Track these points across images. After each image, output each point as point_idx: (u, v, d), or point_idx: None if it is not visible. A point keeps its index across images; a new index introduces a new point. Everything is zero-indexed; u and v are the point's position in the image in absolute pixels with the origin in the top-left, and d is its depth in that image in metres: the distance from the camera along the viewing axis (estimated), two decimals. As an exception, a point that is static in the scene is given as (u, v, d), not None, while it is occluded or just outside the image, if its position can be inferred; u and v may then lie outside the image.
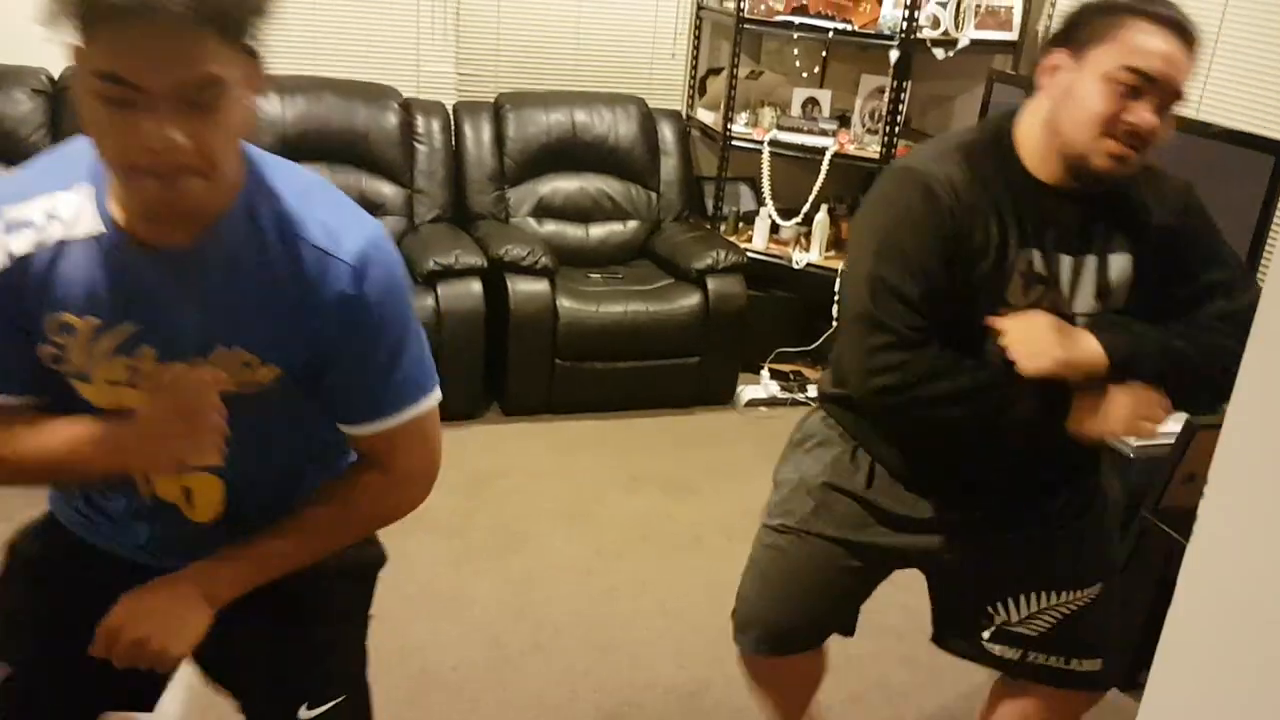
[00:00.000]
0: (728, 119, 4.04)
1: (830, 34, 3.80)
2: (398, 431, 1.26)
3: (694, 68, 4.39)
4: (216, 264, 1.15)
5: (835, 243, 4.00)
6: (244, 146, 1.16)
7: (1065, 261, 1.51)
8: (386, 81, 3.89)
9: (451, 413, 3.74)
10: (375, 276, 1.19)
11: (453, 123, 3.96)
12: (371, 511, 1.33)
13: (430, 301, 3.46)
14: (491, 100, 4.05)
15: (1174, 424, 2.53)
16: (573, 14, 4.18)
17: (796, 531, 1.73)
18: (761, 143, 3.97)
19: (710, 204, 4.30)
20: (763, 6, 3.92)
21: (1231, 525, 0.58)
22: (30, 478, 1.26)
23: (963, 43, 3.67)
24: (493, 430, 3.60)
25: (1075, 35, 1.46)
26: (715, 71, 4.35)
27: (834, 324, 3.69)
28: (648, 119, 4.14)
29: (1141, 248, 1.54)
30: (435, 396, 1.29)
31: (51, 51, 1.11)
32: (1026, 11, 3.77)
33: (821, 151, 3.87)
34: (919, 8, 3.62)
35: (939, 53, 3.67)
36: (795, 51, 4.26)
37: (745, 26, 3.94)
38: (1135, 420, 1.47)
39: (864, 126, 3.99)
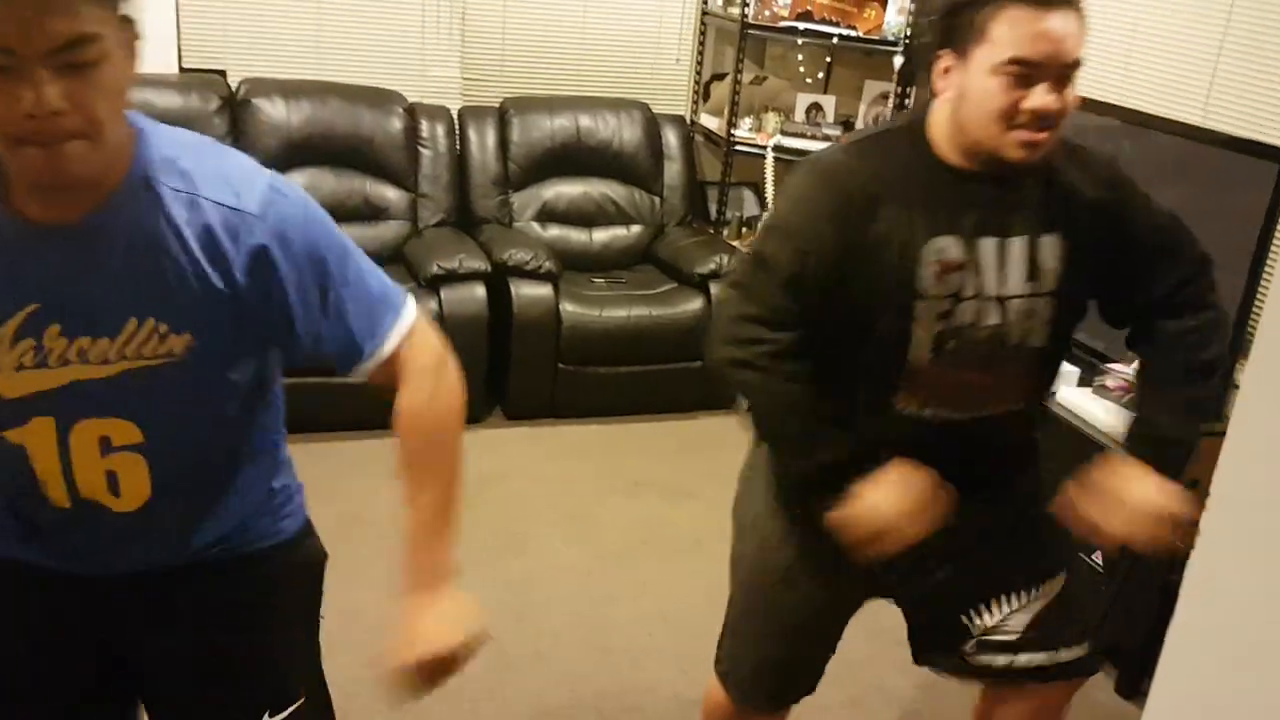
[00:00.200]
0: (731, 124, 4.04)
1: (834, 40, 3.80)
2: (399, 354, 1.26)
3: (698, 73, 4.39)
4: (118, 236, 1.12)
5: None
6: (130, 116, 1.14)
7: (989, 245, 1.48)
8: (391, 86, 3.89)
9: (454, 417, 3.75)
10: (286, 217, 1.17)
11: (457, 127, 3.96)
12: (436, 420, 1.31)
13: (434, 305, 3.46)
14: (496, 105, 4.05)
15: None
16: (577, 19, 4.19)
17: (770, 581, 1.67)
18: (765, 148, 3.97)
19: (714, 209, 4.30)
20: (767, 12, 3.93)
21: (1235, 534, 0.58)
22: None
23: (967, 49, 3.67)
24: (495, 434, 3.60)
25: (955, 35, 1.43)
26: (719, 77, 4.35)
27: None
28: (652, 124, 4.14)
29: (1074, 227, 1.52)
30: (411, 308, 1.28)
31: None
32: (1031, 18, 3.77)
33: (825, 157, 3.87)
34: (923, 14, 3.62)
35: (943, 59, 3.67)
36: (799, 57, 4.26)
37: (750, 32, 3.94)
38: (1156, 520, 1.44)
39: (868, 132, 3.99)
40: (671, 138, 4.20)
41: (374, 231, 3.78)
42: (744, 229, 4.21)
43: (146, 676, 1.40)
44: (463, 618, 1.26)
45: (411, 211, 3.86)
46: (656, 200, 4.16)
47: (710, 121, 4.26)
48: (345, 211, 3.74)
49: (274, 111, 3.65)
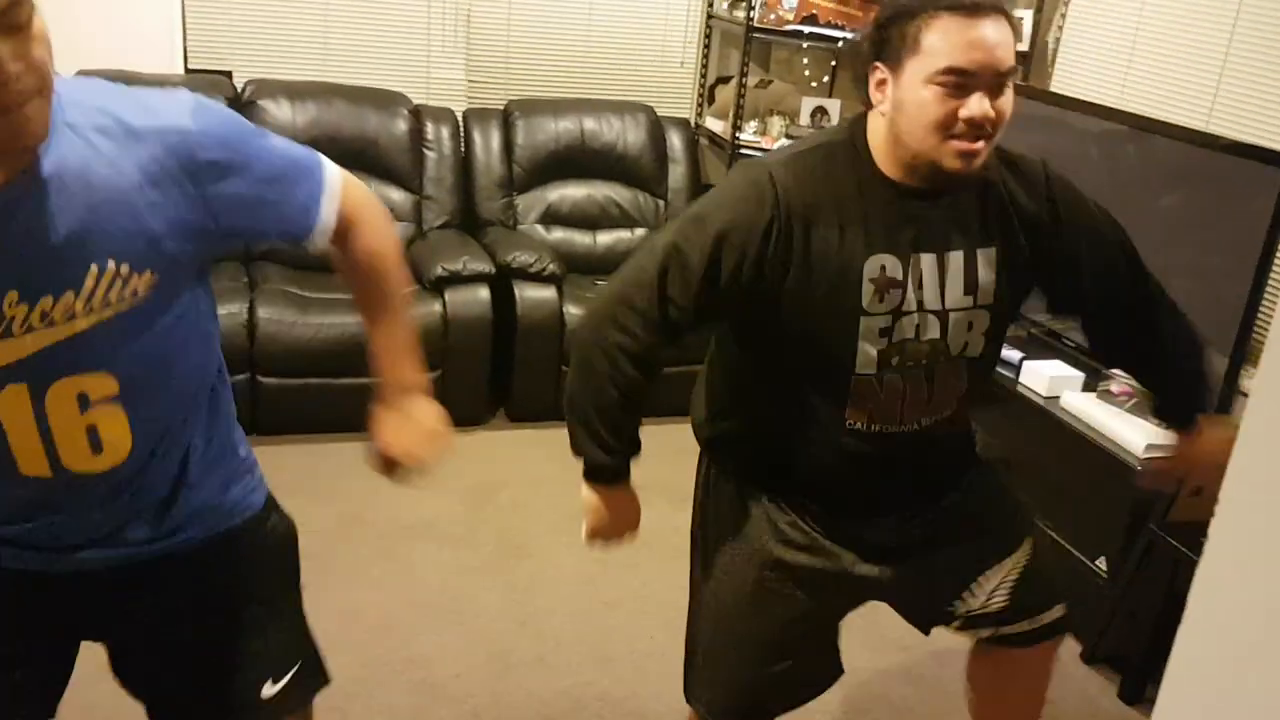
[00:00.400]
0: (736, 127, 4.04)
1: (839, 43, 3.80)
2: (340, 212, 1.31)
3: (703, 76, 4.39)
4: (58, 188, 1.10)
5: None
6: None
7: (927, 260, 1.48)
8: (397, 88, 3.90)
9: (457, 419, 3.70)
10: (217, 126, 1.19)
11: (462, 129, 3.97)
12: (392, 251, 1.41)
13: (438, 307, 3.46)
14: (501, 107, 4.06)
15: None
16: (583, 22, 4.19)
17: (741, 600, 1.66)
18: (769, 150, 3.97)
19: (718, 212, 4.30)
20: (772, 16, 3.93)
21: (1245, 539, 0.58)
22: None
23: (972, 53, 3.67)
24: (498, 436, 3.60)
25: (887, 47, 1.42)
26: (724, 80, 4.35)
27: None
28: (656, 127, 4.15)
29: (1011, 239, 1.53)
30: (329, 166, 1.31)
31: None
32: (1037, 23, 3.77)
33: (830, 161, 3.87)
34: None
35: (948, 63, 3.67)
36: (804, 61, 4.26)
37: (755, 36, 3.94)
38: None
39: (872, 136, 3.99)
40: (676, 141, 4.20)
41: (378, 233, 3.78)
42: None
43: (140, 672, 1.41)
44: (434, 415, 1.45)
45: (416, 213, 3.86)
46: (661, 203, 4.16)
47: (715, 125, 4.27)
48: (350, 213, 3.75)
49: (279, 113, 3.66)
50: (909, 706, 2.48)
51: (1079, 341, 3.08)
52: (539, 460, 3.47)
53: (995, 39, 1.37)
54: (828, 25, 3.83)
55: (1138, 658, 2.54)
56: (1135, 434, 2.63)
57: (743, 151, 4.03)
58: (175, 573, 1.34)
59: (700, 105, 4.42)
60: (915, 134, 1.40)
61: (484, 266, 3.52)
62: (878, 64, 1.43)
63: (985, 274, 1.52)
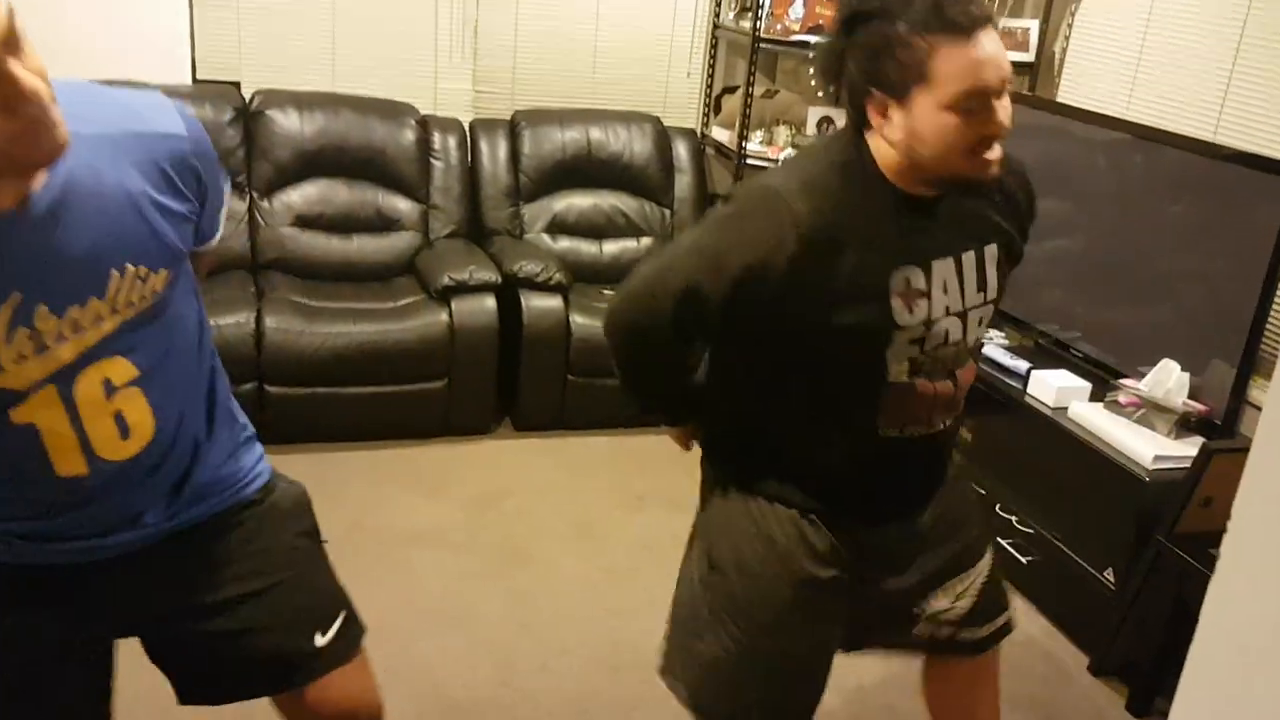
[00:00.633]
0: (742, 137, 4.05)
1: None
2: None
3: (709, 86, 4.40)
4: (71, 198, 1.13)
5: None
6: None
7: (946, 266, 1.49)
8: (404, 99, 3.91)
9: (463, 427, 3.76)
10: (199, 132, 1.26)
11: (469, 139, 3.98)
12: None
13: (444, 316, 3.46)
14: (507, 117, 4.07)
15: (1190, 448, 2.52)
16: (589, 32, 4.20)
17: (769, 620, 1.62)
18: (776, 161, 3.97)
19: (724, 222, 4.30)
20: (779, 26, 3.94)
21: (1258, 554, 0.58)
22: None
23: (978, 64, 3.67)
24: (504, 445, 3.60)
25: (884, 77, 1.38)
26: (730, 90, 4.36)
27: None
28: (662, 136, 4.15)
29: (1007, 230, 1.58)
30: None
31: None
32: (1043, 33, 3.78)
33: (836, 171, 3.87)
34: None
35: (954, 74, 3.67)
36: (810, 70, 4.27)
37: (761, 46, 3.95)
38: None
39: (879, 146, 3.99)
40: (682, 150, 4.21)
41: (386, 242, 3.79)
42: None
43: (186, 654, 1.45)
44: None
45: (423, 223, 3.87)
46: (667, 213, 4.16)
47: (721, 134, 4.27)
48: (357, 222, 3.76)
49: (287, 123, 3.67)
50: (912, 718, 2.47)
51: (1087, 351, 3.08)
52: (545, 469, 3.47)
53: (996, 50, 1.37)
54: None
55: (1146, 669, 2.53)
56: (1143, 444, 2.62)
57: (749, 161, 4.04)
58: (207, 540, 1.39)
59: (706, 115, 4.43)
60: (943, 158, 1.40)
61: (490, 276, 3.53)
62: (876, 92, 1.40)
63: (991, 270, 1.55)
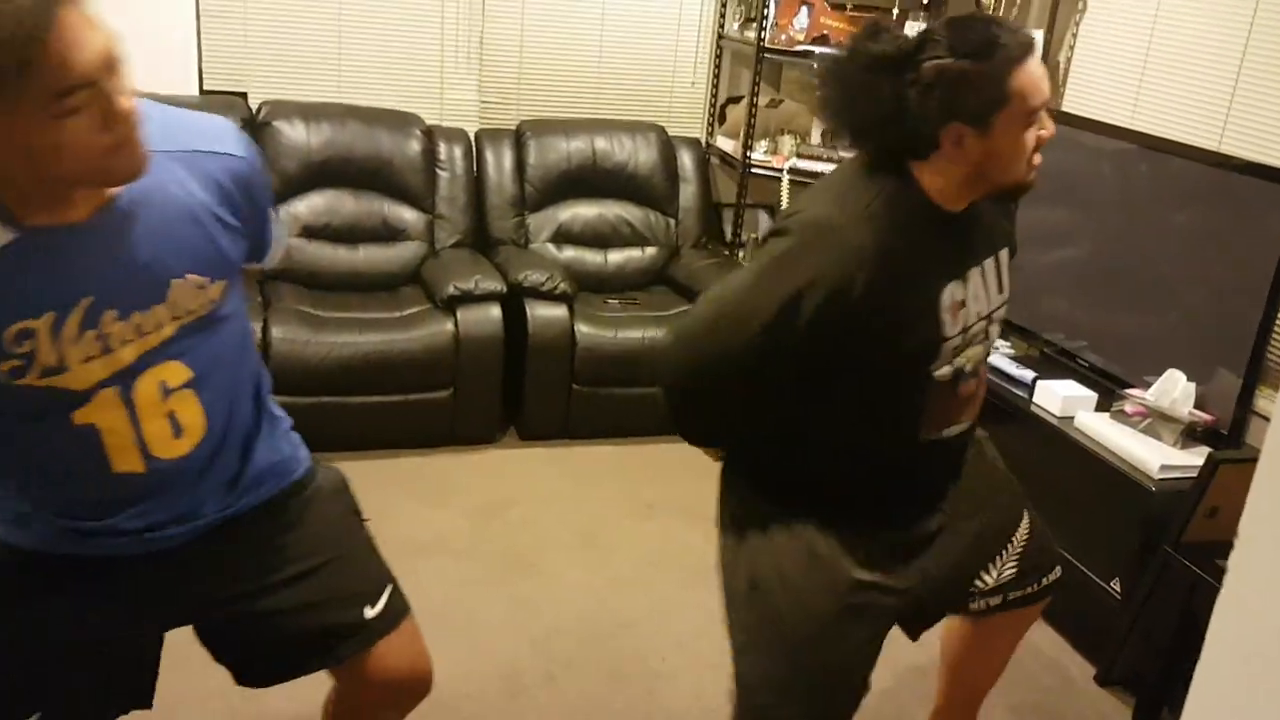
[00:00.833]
0: (747, 146, 4.06)
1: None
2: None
3: (714, 96, 4.41)
4: (141, 210, 1.23)
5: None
6: None
7: (977, 274, 1.59)
8: (410, 109, 3.92)
9: (468, 436, 3.76)
10: (253, 155, 1.36)
11: (474, 149, 3.99)
12: None
13: (450, 326, 3.47)
14: (513, 128, 4.08)
15: (1196, 458, 2.51)
16: (594, 42, 4.22)
17: (817, 633, 1.63)
18: (781, 170, 3.98)
19: (729, 231, 4.31)
20: (783, 36, 3.95)
21: (1266, 568, 0.58)
22: None
23: (983, 74, 3.67)
24: (509, 455, 3.60)
25: (966, 108, 1.44)
26: (735, 100, 4.37)
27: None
28: (667, 146, 4.16)
29: (1008, 230, 1.69)
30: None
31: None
32: (1048, 42, 3.78)
33: (841, 180, 3.88)
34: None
35: (959, 83, 3.67)
36: (816, 80, 4.27)
37: (766, 56, 3.96)
38: None
39: (883, 156, 4.00)
40: (687, 160, 4.22)
41: (392, 252, 3.80)
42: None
43: (244, 637, 1.50)
44: None
45: (429, 233, 3.88)
46: (672, 222, 4.17)
47: (726, 144, 4.28)
48: (364, 232, 3.77)
49: (294, 133, 3.69)
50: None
51: (1092, 361, 3.08)
52: (550, 478, 3.47)
53: (1040, 64, 1.49)
54: (839, 45, 3.85)
55: (1152, 680, 2.52)
56: (1149, 454, 2.62)
57: (754, 171, 4.05)
58: (258, 525, 1.45)
59: (711, 125, 4.44)
60: (1012, 170, 1.50)
61: (496, 285, 3.54)
62: (954, 124, 1.45)
63: (1005, 270, 1.65)
